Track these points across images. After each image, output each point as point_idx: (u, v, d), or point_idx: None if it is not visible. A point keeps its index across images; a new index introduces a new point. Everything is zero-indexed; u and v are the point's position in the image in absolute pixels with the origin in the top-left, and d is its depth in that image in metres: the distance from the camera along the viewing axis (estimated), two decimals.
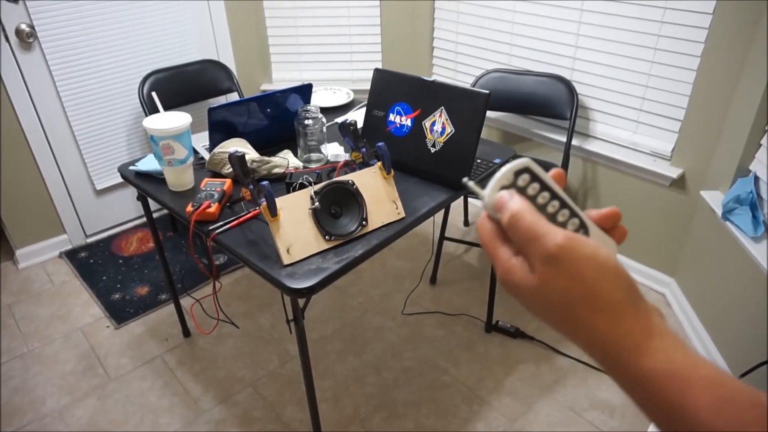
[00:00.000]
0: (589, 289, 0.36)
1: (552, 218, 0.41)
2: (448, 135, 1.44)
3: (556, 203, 0.41)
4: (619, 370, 0.36)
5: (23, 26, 2.11)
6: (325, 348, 1.99)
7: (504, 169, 0.40)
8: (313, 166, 1.60)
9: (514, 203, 0.39)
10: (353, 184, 1.28)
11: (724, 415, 0.32)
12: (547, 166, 2.26)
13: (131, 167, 1.60)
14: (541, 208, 0.41)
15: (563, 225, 0.41)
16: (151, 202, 1.61)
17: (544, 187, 0.41)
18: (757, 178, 1.71)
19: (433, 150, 1.47)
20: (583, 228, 0.42)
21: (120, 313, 2.15)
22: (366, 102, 1.64)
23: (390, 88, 1.54)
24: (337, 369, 1.90)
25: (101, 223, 2.62)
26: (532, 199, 0.41)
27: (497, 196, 0.40)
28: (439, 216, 2.32)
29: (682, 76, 1.91)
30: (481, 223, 0.42)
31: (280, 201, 1.18)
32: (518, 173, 0.40)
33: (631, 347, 0.35)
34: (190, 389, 1.83)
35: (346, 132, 1.37)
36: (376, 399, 1.79)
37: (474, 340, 2.01)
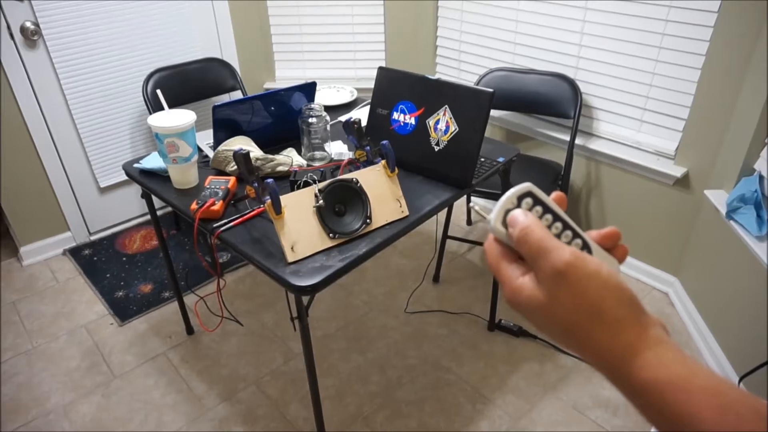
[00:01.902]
0: (593, 304, 0.38)
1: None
2: (452, 133, 1.44)
3: (559, 225, 0.43)
4: (621, 381, 0.38)
5: (28, 24, 2.12)
6: (328, 346, 2.00)
7: (508, 193, 0.42)
8: (317, 164, 1.60)
9: (525, 218, 0.41)
10: (357, 182, 1.28)
11: (726, 424, 0.33)
12: (550, 166, 2.26)
13: (136, 165, 1.60)
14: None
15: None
16: (155, 199, 1.62)
17: (547, 209, 0.43)
18: (761, 177, 1.71)
19: (436, 148, 1.47)
20: (586, 248, 0.44)
21: (124, 310, 2.16)
22: (370, 100, 1.64)
23: (394, 87, 1.54)
24: (341, 367, 1.91)
25: (105, 221, 2.63)
26: None
27: (510, 214, 0.42)
28: (442, 214, 2.33)
29: (686, 75, 1.90)
30: (488, 246, 0.44)
31: (284, 199, 1.19)
32: (521, 197, 0.42)
33: (632, 359, 0.37)
34: (193, 387, 1.84)
35: (350, 130, 1.37)
36: (379, 397, 1.79)
37: (477, 338, 2.01)
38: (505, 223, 0.42)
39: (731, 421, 0.33)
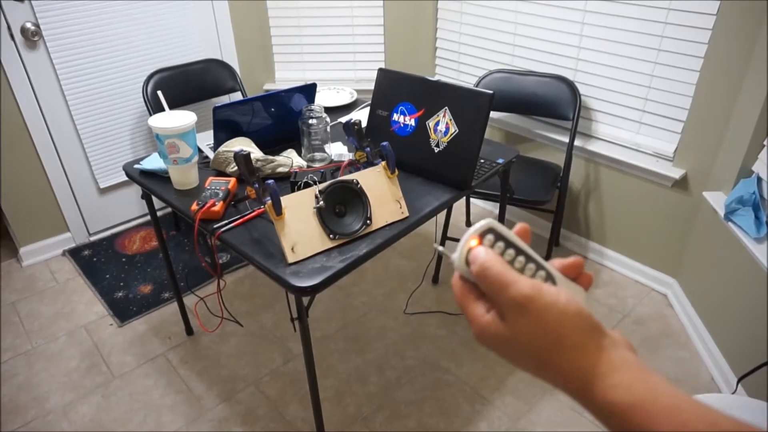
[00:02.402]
0: (553, 332, 0.39)
1: (520, 273, 0.44)
2: (451, 135, 1.45)
3: (522, 259, 0.44)
4: (587, 403, 0.39)
5: (28, 25, 2.12)
6: (327, 347, 2.00)
7: (470, 230, 0.43)
8: (317, 165, 1.60)
9: (483, 255, 0.42)
10: (357, 183, 1.29)
11: None
12: (550, 167, 2.26)
13: (136, 166, 1.60)
14: (509, 265, 0.43)
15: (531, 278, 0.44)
16: (155, 200, 1.62)
17: (510, 244, 0.44)
18: (759, 179, 1.71)
19: (436, 150, 1.48)
20: (549, 279, 0.45)
21: (123, 311, 2.16)
22: (369, 102, 1.65)
23: (394, 88, 1.55)
24: (340, 368, 1.91)
25: (105, 222, 2.63)
26: None
27: (471, 252, 0.43)
28: (442, 215, 2.33)
29: (685, 77, 1.91)
30: (454, 282, 0.45)
31: (284, 200, 1.19)
32: (483, 234, 0.43)
33: (595, 382, 0.38)
34: (193, 387, 1.84)
35: (351, 131, 1.38)
36: (378, 398, 1.79)
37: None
38: (468, 261, 0.43)
39: None
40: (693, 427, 0.35)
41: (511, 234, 0.44)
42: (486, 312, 0.42)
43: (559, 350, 0.39)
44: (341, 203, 1.29)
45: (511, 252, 0.43)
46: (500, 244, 0.43)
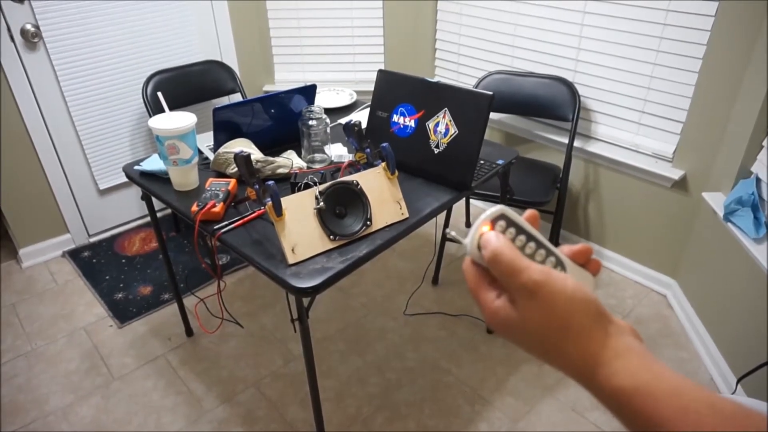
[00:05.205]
0: (562, 318, 0.40)
1: (530, 259, 0.44)
2: (451, 136, 1.45)
3: (532, 245, 0.45)
4: (593, 388, 0.40)
5: (28, 26, 2.12)
6: (328, 348, 2.00)
7: (482, 216, 0.44)
8: (317, 166, 1.61)
9: (495, 241, 0.43)
10: (357, 184, 1.29)
11: (688, 424, 0.35)
12: (549, 168, 2.27)
13: (136, 167, 1.60)
14: (520, 251, 0.44)
15: (541, 264, 0.44)
16: (155, 201, 1.62)
17: (521, 230, 0.45)
18: (758, 180, 1.72)
19: (436, 151, 1.48)
20: (560, 265, 0.45)
21: (123, 312, 2.16)
22: (369, 103, 1.65)
23: (394, 89, 1.55)
24: (340, 369, 1.91)
25: (104, 223, 2.63)
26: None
27: (483, 236, 0.44)
28: (441, 216, 2.33)
29: (684, 78, 1.92)
30: (466, 268, 0.46)
31: (285, 201, 1.19)
32: (495, 220, 0.44)
33: (600, 368, 0.39)
34: (193, 388, 1.84)
35: (351, 133, 1.38)
36: (378, 399, 1.80)
37: (476, 340, 2.02)
38: (480, 246, 0.44)
39: (692, 420, 0.35)
40: (695, 410, 0.35)
41: (521, 220, 0.45)
42: (496, 297, 0.43)
43: (566, 336, 0.40)
44: (341, 204, 1.29)
45: (522, 238, 0.44)
46: (512, 230, 0.44)
